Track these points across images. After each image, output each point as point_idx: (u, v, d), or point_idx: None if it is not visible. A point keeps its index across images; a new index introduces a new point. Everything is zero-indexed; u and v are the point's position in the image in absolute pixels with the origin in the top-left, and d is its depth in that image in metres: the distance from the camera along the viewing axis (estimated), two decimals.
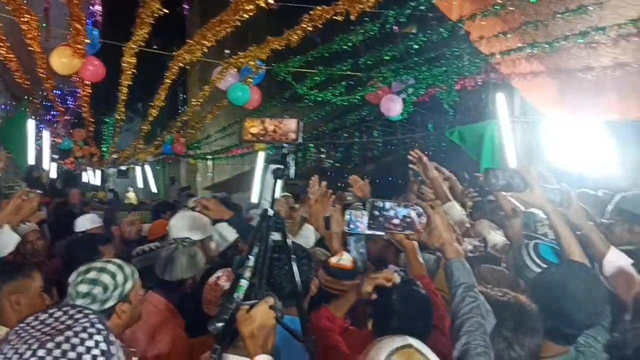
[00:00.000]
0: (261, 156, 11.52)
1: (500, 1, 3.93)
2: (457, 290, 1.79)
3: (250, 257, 1.91)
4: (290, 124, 2.12)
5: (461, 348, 1.68)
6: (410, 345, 1.48)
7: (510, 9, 3.89)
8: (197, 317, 2.76)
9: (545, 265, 2.47)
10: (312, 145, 10.24)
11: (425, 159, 3.65)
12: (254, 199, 8.50)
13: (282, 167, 2.09)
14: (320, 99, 6.40)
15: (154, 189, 19.26)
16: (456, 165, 5.17)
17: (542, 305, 1.99)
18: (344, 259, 2.96)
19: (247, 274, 1.91)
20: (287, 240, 2.02)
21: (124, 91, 7.50)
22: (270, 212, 2.01)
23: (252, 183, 11.31)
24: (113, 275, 2.23)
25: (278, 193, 2.08)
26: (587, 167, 5.27)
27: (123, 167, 21.58)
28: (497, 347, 1.83)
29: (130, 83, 7.18)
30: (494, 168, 2.41)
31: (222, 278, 2.85)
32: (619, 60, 4.07)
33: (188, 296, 3.05)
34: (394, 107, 6.06)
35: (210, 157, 13.77)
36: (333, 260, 2.95)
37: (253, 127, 2.18)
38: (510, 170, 2.37)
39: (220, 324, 1.74)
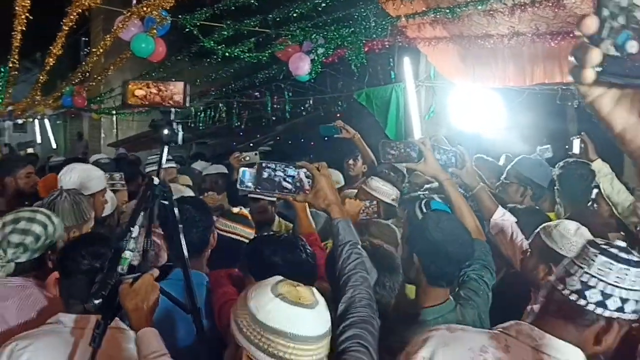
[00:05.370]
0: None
1: None
2: (344, 248, 1.85)
3: (134, 228, 1.83)
4: (177, 87, 2.03)
5: (347, 300, 1.75)
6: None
7: None
8: None
9: None
10: (222, 103, 9.97)
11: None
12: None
13: (169, 132, 2.00)
14: (228, 55, 6.18)
15: (53, 145, 18.15)
16: (365, 127, 5.25)
17: (420, 249, 2.14)
18: (243, 209, 3.27)
19: (132, 245, 1.83)
20: (175, 209, 1.95)
21: (17, 37, 6.95)
22: (156, 180, 1.93)
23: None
24: (44, 226, 2.26)
25: (165, 159, 1.99)
26: (487, 132, 5.51)
27: (19, 121, 20.11)
28: None
29: (24, 29, 6.65)
30: (388, 140, 2.48)
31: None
32: (515, 29, 4.22)
33: None
34: (302, 66, 5.98)
35: (114, 112, 13.09)
36: (235, 209, 3.22)
37: (138, 89, 2.06)
38: (403, 141, 2.44)
39: (97, 301, 1.66)
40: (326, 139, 4.90)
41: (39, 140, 18.66)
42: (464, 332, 1.46)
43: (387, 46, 5.58)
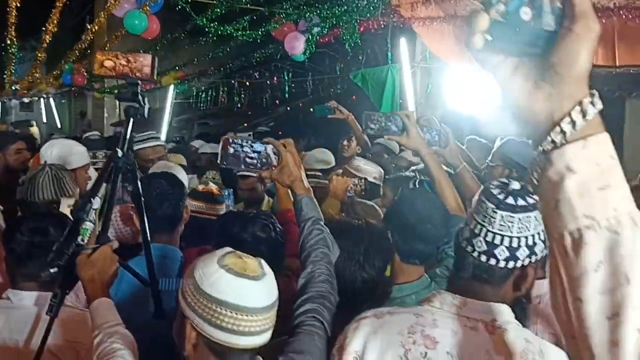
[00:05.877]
0: (171, 91, 11.07)
1: None
2: (306, 224, 1.86)
3: (94, 199, 1.82)
4: (146, 59, 2.01)
5: (306, 276, 1.75)
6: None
7: None
8: None
9: None
10: (222, 84, 9.94)
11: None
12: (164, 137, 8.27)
13: (135, 105, 1.98)
14: (221, 33, 6.15)
15: (58, 124, 18.18)
16: (364, 108, 5.18)
17: (394, 227, 2.13)
18: (210, 185, 3.20)
19: (92, 216, 1.82)
20: (138, 183, 1.93)
21: (13, 14, 6.97)
22: (120, 153, 1.91)
23: (162, 120, 10.91)
24: None
25: (130, 133, 1.96)
26: (482, 113, 5.44)
27: (25, 100, 20.11)
28: (350, 269, 1.94)
29: (19, 5, 6.67)
30: (371, 112, 2.46)
31: None
32: None
33: None
34: (297, 45, 5.93)
35: (116, 91, 13.05)
36: (200, 187, 3.17)
37: (107, 60, 2.04)
38: (385, 114, 2.41)
39: (53, 270, 1.66)
40: (329, 118, 4.87)
41: (44, 119, 18.68)
42: (391, 316, 1.41)
43: (382, 26, 5.51)
